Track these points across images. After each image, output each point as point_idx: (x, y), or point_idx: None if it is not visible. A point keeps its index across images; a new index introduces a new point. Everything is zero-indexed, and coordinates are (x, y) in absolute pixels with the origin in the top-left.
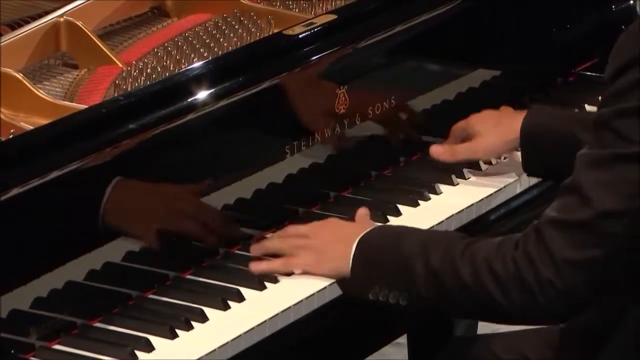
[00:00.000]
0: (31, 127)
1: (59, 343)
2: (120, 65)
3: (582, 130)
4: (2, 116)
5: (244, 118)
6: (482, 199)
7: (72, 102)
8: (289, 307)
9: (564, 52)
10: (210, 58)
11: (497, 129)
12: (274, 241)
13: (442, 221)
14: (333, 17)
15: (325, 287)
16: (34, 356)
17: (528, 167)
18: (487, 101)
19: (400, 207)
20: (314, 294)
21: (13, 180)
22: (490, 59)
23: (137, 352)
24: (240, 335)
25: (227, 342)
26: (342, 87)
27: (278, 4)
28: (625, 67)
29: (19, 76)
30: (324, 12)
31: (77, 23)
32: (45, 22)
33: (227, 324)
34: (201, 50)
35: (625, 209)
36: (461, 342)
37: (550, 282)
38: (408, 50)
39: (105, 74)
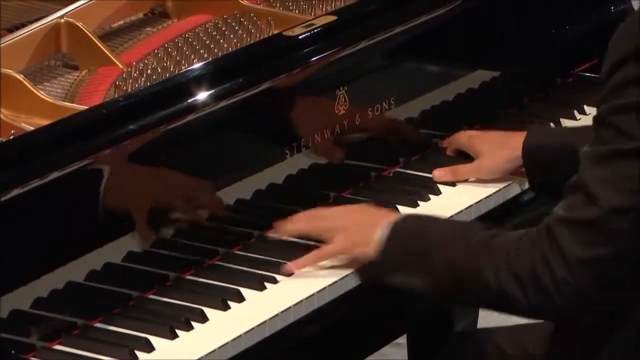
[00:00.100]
0: (32, 128)
1: (59, 343)
2: (121, 66)
3: (580, 142)
4: (2, 117)
5: (244, 119)
6: (482, 200)
7: (72, 103)
8: (289, 308)
9: (563, 53)
10: (210, 59)
11: (501, 149)
12: (298, 224)
13: None
14: (333, 18)
15: (325, 288)
16: (34, 356)
17: (534, 185)
18: (486, 102)
19: (400, 207)
20: (313, 294)
21: (14, 180)
22: (489, 60)
23: (137, 352)
24: (240, 336)
25: (227, 343)
26: (341, 88)
27: (278, 5)
28: (621, 62)
29: (20, 77)
30: (324, 13)
31: (78, 24)
32: (46, 23)
33: (227, 324)
34: (201, 51)
35: (630, 204)
36: (461, 337)
37: (565, 281)
38: (407, 51)
39: (105, 75)
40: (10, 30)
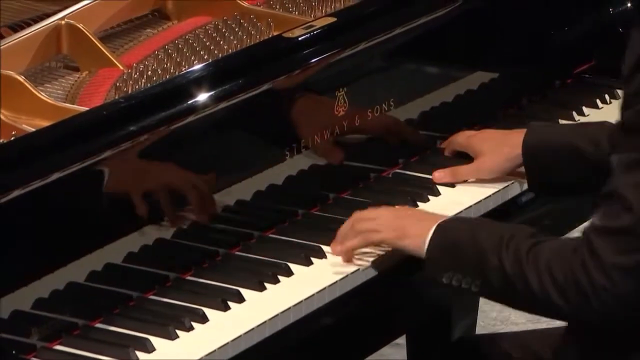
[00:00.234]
0: (33, 129)
1: (60, 343)
2: (121, 67)
3: (582, 141)
4: (3, 118)
5: (244, 120)
6: (481, 201)
7: (73, 104)
8: (289, 308)
9: (562, 55)
10: (210, 60)
11: (501, 147)
12: (350, 241)
13: None
14: (332, 19)
15: (324, 288)
16: (35, 356)
17: (532, 184)
18: (485, 103)
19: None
20: (313, 295)
21: (14, 181)
22: (488, 61)
23: (138, 353)
24: (240, 336)
25: (227, 343)
26: (341, 90)
27: (278, 6)
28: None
29: (21, 78)
30: (324, 14)
31: (78, 26)
32: (47, 24)
33: (227, 325)
34: (201, 52)
35: None
36: (462, 341)
37: (604, 288)
38: (407, 52)
39: (106, 77)
40: (12, 28)
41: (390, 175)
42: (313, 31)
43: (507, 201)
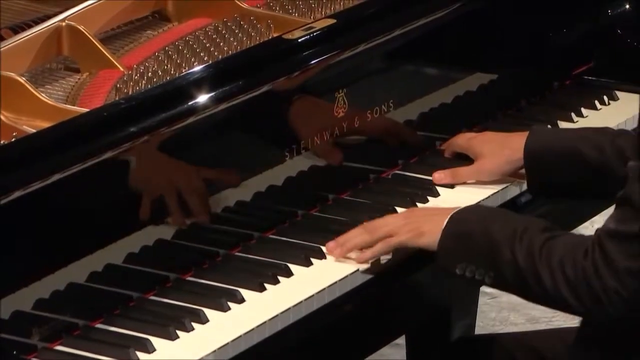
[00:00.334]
0: (33, 130)
1: (60, 344)
2: (122, 69)
3: (584, 146)
4: (4, 119)
5: (244, 121)
6: (480, 201)
7: (73, 105)
8: (289, 309)
9: (560, 56)
10: (210, 62)
11: (502, 150)
12: (363, 236)
13: None
14: (332, 21)
15: (324, 289)
16: (36, 357)
17: (532, 187)
18: (484, 105)
19: (399, 209)
20: (313, 296)
21: (15, 182)
22: (487, 62)
23: (138, 353)
24: (240, 336)
25: (227, 343)
26: (341, 91)
27: (278, 8)
28: None
29: (22, 80)
30: (323, 16)
31: (79, 27)
32: (48, 26)
33: (227, 325)
34: (202, 54)
35: None
36: (462, 341)
37: (616, 291)
38: (406, 54)
39: (106, 78)
40: (12, 29)
41: (389, 176)
42: (313, 33)
43: (506, 202)
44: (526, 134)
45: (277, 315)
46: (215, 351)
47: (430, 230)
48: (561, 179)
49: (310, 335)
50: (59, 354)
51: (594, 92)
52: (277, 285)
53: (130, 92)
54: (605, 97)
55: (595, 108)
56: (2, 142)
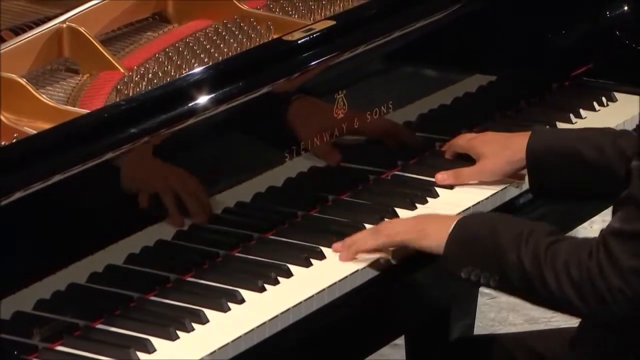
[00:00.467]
0: (34, 132)
1: (61, 344)
2: (122, 70)
3: (586, 147)
4: (5, 120)
5: (244, 123)
6: (480, 202)
7: (74, 106)
8: (289, 309)
9: (559, 58)
10: (210, 63)
11: (503, 150)
12: (366, 240)
13: None
14: (332, 23)
15: (324, 289)
16: (36, 357)
17: (534, 187)
18: (483, 106)
19: (398, 210)
20: (312, 296)
21: (16, 183)
22: (486, 64)
23: (139, 353)
24: (240, 337)
25: (228, 344)
26: (340, 92)
27: (277, 10)
28: None
29: (23, 81)
30: (323, 18)
31: (80, 29)
32: (48, 28)
33: (227, 326)
34: (202, 55)
35: None
36: (460, 342)
37: (620, 290)
38: (405, 55)
39: (107, 79)
40: (13, 31)
41: (389, 177)
42: (312, 34)
43: (505, 202)
44: (527, 134)
45: (277, 316)
46: (215, 351)
47: (435, 233)
48: (562, 179)
49: (310, 335)
50: (59, 354)
51: (592, 94)
52: (277, 286)
53: (130, 94)
54: (603, 99)
55: (593, 109)
56: (3, 143)
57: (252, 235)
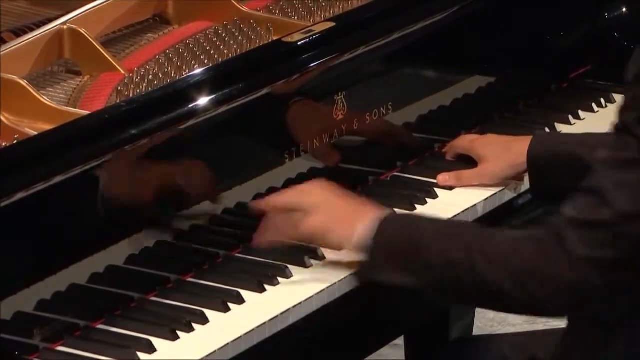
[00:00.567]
0: (35, 133)
1: (62, 344)
2: (123, 72)
3: (585, 151)
4: (6, 122)
5: (244, 124)
6: (479, 202)
7: (75, 108)
8: (289, 309)
9: (558, 59)
10: (210, 65)
11: (505, 153)
12: (279, 197)
13: None
14: (331, 24)
15: (323, 290)
16: (37, 357)
17: (535, 191)
18: (482, 107)
19: (397, 211)
20: (312, 297)
21: (17, 184)
22: (485, 65)
23: (139, 353)
24: (240, 337)
25: (228, 344)
26: (340, 94)
27: (277, 12)
28: None
29: (23, 83)
30: (323, 20)
31: (80, 30)
32: (49, 29)
33: (227, 326)
34: (202, 57)
35: None
36: (459, 342)
37: (568, 278)
38: (405, 57)
39: (107, 81)
40: (14, 32)
41: (388, 179)
42: (312, 36)
43: (504, 204)
44: (529, 138)
45: (277, 316)
46: (215, 351)
47: (340, 230)
48: (564, 183)
49: (310, 335)
50: (60, 354)
51: (591, 95)
52: (277, 286)
53: (131, 95)
54: (602, 100)
55: (592, 110)
56: (4, 144)
57: (253, 235)
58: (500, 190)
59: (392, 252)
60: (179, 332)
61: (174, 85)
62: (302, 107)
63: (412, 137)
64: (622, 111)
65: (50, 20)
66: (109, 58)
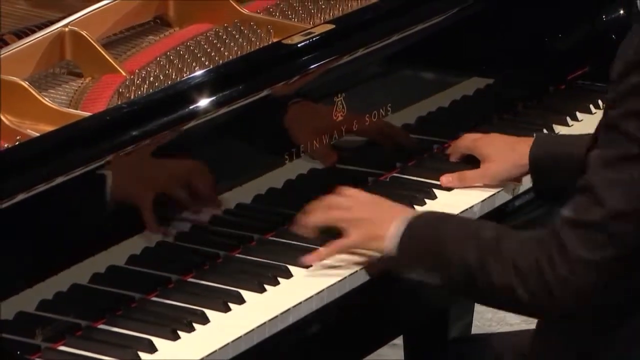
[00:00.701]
0: (37, 134)
1: (64, 344)
2: (124, 73)
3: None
4: (8, 123)
5: (244, 125)
6: (477, 203)
7: (76, 109)
8: (288, 309)
9: (556, 61)
10: (211, 66)
11: (508, 154)
12: (316, 216)
13: None
14: (331, 26)
15: (323, 290)
16: (39, 357)
17: (538, 192)
18: (481, 108)
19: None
20: (312, 297)
21: (19, 185)
22: (484, 67)
23: (140, 353)
24: (240, 337)
25: (228, 343)
26: (339, 95)
27: (277, 14)
28: (631, 67)
29: (25, 84)
30: (322, 22)
31: (82, 33)
32: (51, 31)
33: (227, 326)
34: (202, 59)
35: (635, 209)
36: (457, 342)
37: (567, 278)
38: (404, 59)
39: (109, 82)
40: (16, 34)
41: (387, 179)
42: (312, 38)
43: (502, 204)
44: (532, 139)
45: (277, 316)
46: (216, 351)
47: (380, 235)
48: (565, 183)
49: (310, 335)
50: (62, 354)
51: (588, 96)
52: (277, 287)
53: (132, 97)
54: (599, 101)
55: (590, 112)
56: (6, 145)
57: (253, 236)
58: (498, 191)
59: (417, 250)
60: (179, 332)
61: (174, 87)
62: (302, 109)
63: (409, 138)
64: (608, 108)
65: (52, 23)
66: (110, 60)
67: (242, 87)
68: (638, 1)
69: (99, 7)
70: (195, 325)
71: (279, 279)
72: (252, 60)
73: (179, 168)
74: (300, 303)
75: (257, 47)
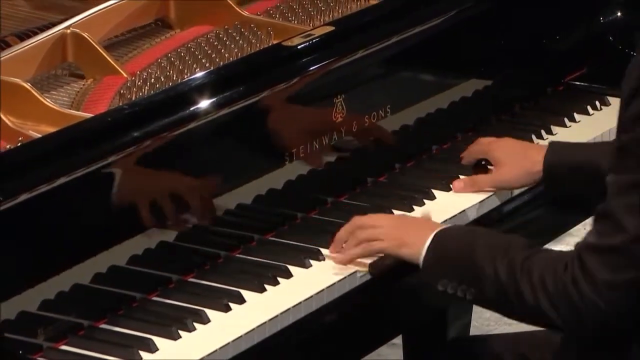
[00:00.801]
0: (39, 135)
1: (65, 344)
2: (125, 75)
3: (602, 160)
4: (11, 124)
5: (244, 126)
6: (476, 204)
7: (78, 111)
8: (288, 309)
9: (553, 63)
10: (211, 68)
11: (524, 161)
12: (352, 250)
13: None
14: (331, 28)
15: (323, 290)
16: (41, 356)
17: (551, 198)
18: (479, 110)
19: (396, 212)
20: (312, 296)
21: (21, 186)
22: (482, 69)
23: (141, 353)
24: (241, 336)
25: (228, 343)
26: (339, 96)
27: (277, 16)
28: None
29: (27, 86)
30: (322, 24)
31: (84, 35)
32: (53, 33)
33: (228, 325)
34: (203, 60)
35: None
36: (456, 342)
37: (594, 303)
38: (403, 60)
39: (110, 84)
40: (18, 36)
41: (387, 180)
42: (312, 40)
43: (499, 206)
44: (545, 146)
45: (277, 316)
46: (216, 351)
47: (413, 243)
48: (579, 192)
49: (310, 335)
50: (63, 353)
51: (586, 98)
52: (277, 287)
53: (133, 98)
54: (597, 103)
55: (587, 113)
56: (8, 146)
57: (253, 236)
58: (496, 193)
59: (449, 264)
60: (180, 332)
61: (175, 89)
62: (302, 110)
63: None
64: (619, 130)
65: (54, 25)
66: (112, 62)
67: (242, 88)
68: None
69: (101, 9)
70: (196, 324)
71: (279, 279)
72: (252, 61)
73: (179, 169)
74: (300, 303)
75: (257, 49)
